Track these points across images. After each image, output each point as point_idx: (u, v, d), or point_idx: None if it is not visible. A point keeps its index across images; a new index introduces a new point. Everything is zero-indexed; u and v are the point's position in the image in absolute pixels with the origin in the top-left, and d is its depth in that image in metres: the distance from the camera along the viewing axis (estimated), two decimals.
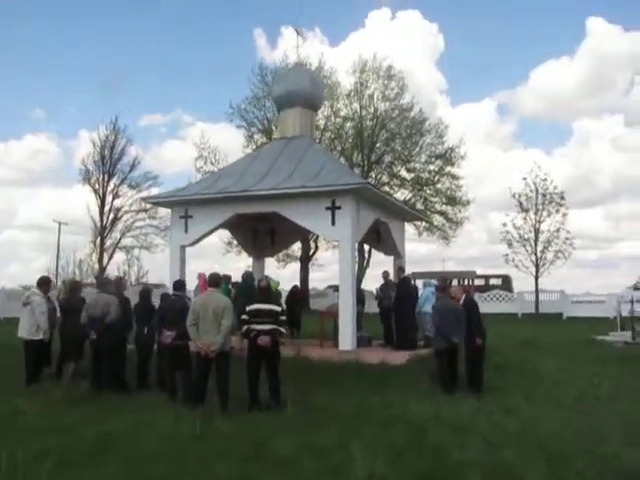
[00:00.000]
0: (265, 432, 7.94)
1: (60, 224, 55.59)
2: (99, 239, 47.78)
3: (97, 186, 47.84)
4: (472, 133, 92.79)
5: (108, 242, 48.43)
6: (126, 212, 48.02)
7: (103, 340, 10.91)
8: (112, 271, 49.16)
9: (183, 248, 17.40)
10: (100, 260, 47.92)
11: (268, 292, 10.20)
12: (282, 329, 9.76)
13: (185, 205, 17.10)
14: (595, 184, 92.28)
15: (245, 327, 9.67)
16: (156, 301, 11.82)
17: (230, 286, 16.93)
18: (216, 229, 17.71)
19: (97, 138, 48.18)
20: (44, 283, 12.21)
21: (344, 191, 15.20)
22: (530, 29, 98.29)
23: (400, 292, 16.64)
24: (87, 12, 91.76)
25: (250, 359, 9.69)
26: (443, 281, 18.43)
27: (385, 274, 18.32)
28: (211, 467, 6.52)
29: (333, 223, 15.37)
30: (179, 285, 10.94)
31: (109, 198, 48.02)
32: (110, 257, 48.59)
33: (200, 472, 6.44)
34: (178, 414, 9.07)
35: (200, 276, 17.78)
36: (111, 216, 48.09)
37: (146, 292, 12.03)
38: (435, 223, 40.85)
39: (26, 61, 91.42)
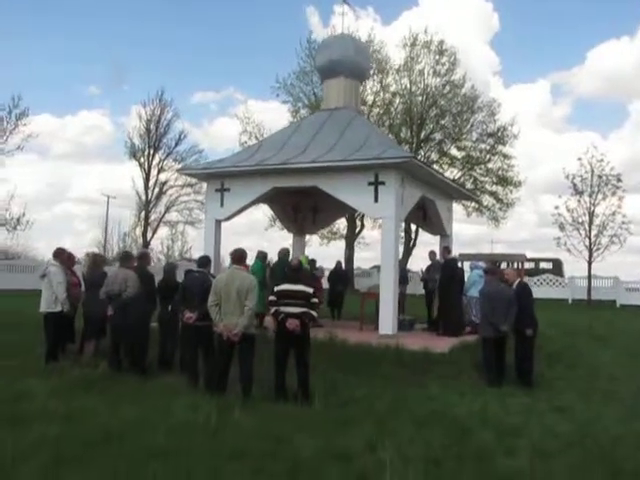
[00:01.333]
0: (287, 429, 7.07)
1: (108, 198, 55.59)
2: (144, 213, 47.55)
3: (142, 160, 47.56)
4: (525, 115, 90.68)
5: (152, 216, 48.27)
6: (171, 187, 47.75)
7: (120, 317, 10.23)
8: (156, 245, 49.19)
9: (219, 222, 16.62)
10: (144, 234, 47.72)
11: (299, 271, 9.34)
12: (313, 312, 8.87)
13: (221, 177, 16.30)
14: None
15: (273, 309, 8.86)
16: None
17: (266, 264, 16.14)
18: (253, 203, 16.88)
19: (143, 112, 47.86)
20: (59, 254, 11.58)
21: (388, 165, 14.24)
22: (588, 8, 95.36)
23: (445, 274, 15.68)
24: None
25: (278, 344, 8.90)
26: (492, 263, 17.61)
27: (432, 254, 17.34)
28: (219, 469, 5.71)
29: (376, 199, 14.43)
30: (204, 261, 10.09)
31: (154, 172, 47.79)
32: (154, 231, 48.41)
33: (205, 474, 5.62)
34: (196, 402, 8.33)
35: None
36: (156, 190, 47.87)
37: (171, 268, 11.35)
38: (485, 203, 39.69)
39: (84, 36, 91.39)
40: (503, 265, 20.25)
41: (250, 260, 16.59)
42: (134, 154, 47.05)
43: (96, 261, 11.79)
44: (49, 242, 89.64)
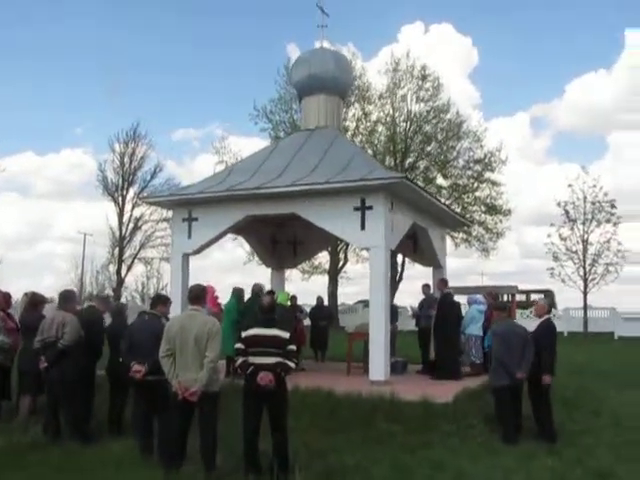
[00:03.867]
0: None
1: (85, 235, 53.50)
2: (117, 249, 45.71)
3: (117, 195, 45.87)
4: (505, 147, 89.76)
5: (127, 252, 46.44)
6: (146, 222, 46.04)
7: (55, 371, 8.40)
8: (130, 283, 47.10)
9: (186, 256, 14.82)
10: (118, 271, 45.84)
11: (272, 312, 7.49)
12: (290, 363, 7.05)
13: (188, 205, 14.52)
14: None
15: (240, 360, 7.03)
16: None
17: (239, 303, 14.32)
18: (224, 234, 15.04)
19: (117, 146, 46.29)
20: None
21: (376, 188, 12.56)
22: (565, 42, 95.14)
23: (442, 310, 13.97)
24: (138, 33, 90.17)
25: (247, 403, 7.04)
26: (492, 297, 15.92)
27: (425, 288, 15.63)
28: None
29: (363, 227, 12.73)
30: (158, 300, 8.30)
31: (129, 207, 46.03)
32: (129, 268, 46.54)
33: None
34: (145, 478, 6.55)
35: (208, 290, 15.22)
36: (130, 226, 46.11)
37: (119, 310, 9.53)
38: (474, 234, 38.17)
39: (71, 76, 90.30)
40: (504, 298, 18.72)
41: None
42: (106, 188, 45.34)
43: (33, 302, 9.91)
44: (30, 281, 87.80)
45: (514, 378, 8.86)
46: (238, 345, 7.09)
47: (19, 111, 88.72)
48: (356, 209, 12.78)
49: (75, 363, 8.46)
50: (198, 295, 7.23)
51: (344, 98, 17.37)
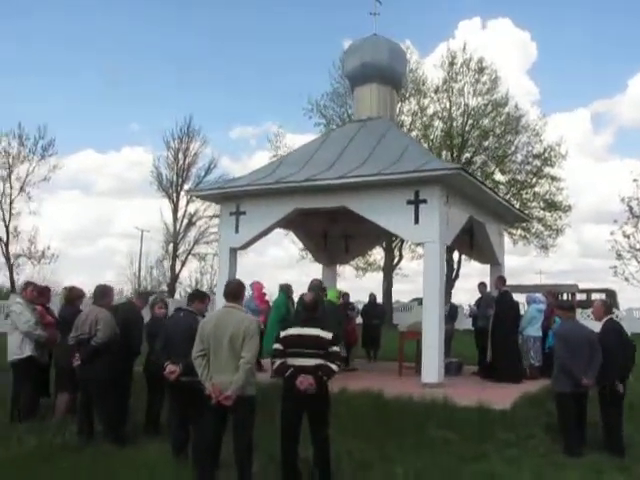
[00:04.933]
0: None
1: (142, 231, 53.67)
2: (172, 245, 45.68)
3: (171, 191, 45.84)
4: (565, 142, 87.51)
5: (181, 248, 46.35)
6: (200, 217, 45.79)
7: (88, 369, 7.99)
8: (184, 279, 47.03)
9: (234, 251, 14.40)
10: (172, 267, 45.81)
11: (315, 310, 6.87)
12: (333, 366, 6.40)
13: (236, 199, 14.09)
14: None
15: (278, 362, 6.48)
16: None
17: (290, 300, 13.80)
18: (272, 228, 14.56)
19: (172, 141, 46.25)
20: (24, 289, 9.61)
21: (431, 180, 11.94)
22: (627, 35, 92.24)
23: (500, 309, 13.26)
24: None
25: (285, 410, 6.49)
26: (553, 296, 15.12)
27: (482, 286, 14.91)
28: None
29: (417, 221, 12.14)
30: (195, 296, 7.80)
31: (183, 203, 45.91)
32: (183, 264, 46.45)
33: None
34: None
35: (254, 286, 14.79)
36: (185, 222, 45.98)
37: (161, 304, 9.08)
38: (532, 230, 37.00)
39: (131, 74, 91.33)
40: (564, 297, 17.91)
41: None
42: (161, 184, 45.34)
43: (70, 297, 9.52)
44: (91, 277, 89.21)
45: (579, 384, 8.13)
46: (276, 346, 6.54)
47: (83, 106, 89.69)
48: (409, 202, 12.21)
49: (109, 361, 8.02)
50: (235, 291, 6.64)
51: (398, 88, 16.71)
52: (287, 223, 15.83)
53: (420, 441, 8.12)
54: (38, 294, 9.80)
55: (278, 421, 6.53)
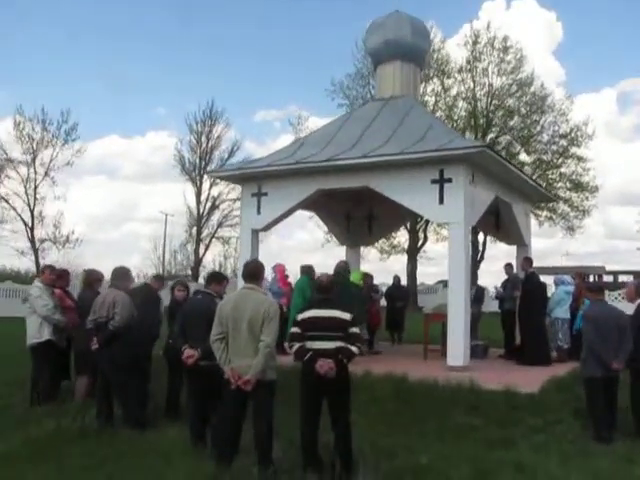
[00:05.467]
0: None
1: (166, 215, 53.69)
2: (195, 229, 45.63)
3: (194, 174, 45.73)
4: (592, 122, 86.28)
5: (205, 232, 46.28)
6: (223, 201, 45.65)
7: (106, 353, 7.84)
8: (208, 263, 46.99)
9: (256, 232, 14.18)
10: (196, 251, 45.78)
11: (331, 291, 6.60)
12: (353, 348, 6.17)
13: (257, 180, 13.86)
14: None
15: (297, 345, 6.25)
16: None
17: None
18: (294, 209, 14.29)
19: (194, 124, 46.10)
20: (42, 272, 9.49)
21: (456, 158, 11.63)
22: None
23: (528, 291, 12.97)
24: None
25: (304, 394, 6.28)
26: (580, 277, 14.78)
27: (508, 267, 14.60)
28: None
29: (441, 201, 11.83)
30: (213, 278, 7.60)
31: (206, 186, 45.78)
32: (207, 248, 46.39)
33: None
34: (195, 472, 5.96)
35: (277, 269, 14.61)
36: (208, 205, 45.88)
37: (181, 287, 8.91)
38: (559, 211, 36.51)
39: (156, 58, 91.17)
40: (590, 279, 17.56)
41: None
42: (184, 168, 45.24)
43: (88, 280, 9.37)
44: (116, 261, 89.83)
45: (609, 369, 7.84)
46: (294, 329, 6.32)
47: (107, 91, 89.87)
48: (434, 182, 11.90)
49: (127, 345, 7.85)
50: (254, 272, 6.43)
51: (421, 66, 16.33)
52: (310, 205, 15.57)
53: (445, 427, 7.90)
54: (57, 277, 9.68)
55: (299, 406, 6.34)
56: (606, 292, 9.52)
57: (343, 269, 13.06)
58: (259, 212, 13.88)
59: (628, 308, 8.60)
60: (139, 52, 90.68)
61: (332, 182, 13.08)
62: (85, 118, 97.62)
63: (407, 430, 7.68)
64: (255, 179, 13.89)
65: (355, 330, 6.26)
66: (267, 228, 14.46)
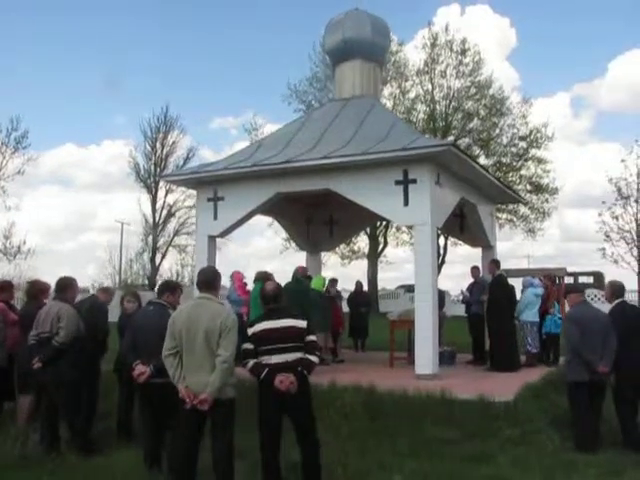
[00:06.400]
0: None
1: (122, 224, 52.55)
2: (151, 237, 44.68)
3: (149, 181, 44.76)
4: (551, 124, 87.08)
5: (161, 240, 45.30)
6: (179, 208, 44.71)
7: (50, 371, 7.17)
8: (165, 272, 46.00)
9: (212, 239, 13.58)
10: (152, 259, 44.79)
11: (278, 298, 5.98)
12: (313, 357, 5.67)
13: (213, 184, 13.24)
14: None
15: (252, 362, 5.68)
16: None
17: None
18: (253, 214, 13.69)
19: (148, 130, 45.16)
20: None
21: (420, 158, 11.18)
22: (606, 19, 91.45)
23: (495, 294, 12.56)
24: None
25: (264, 414, 5.71)
26: (548, 279, 14.42)
27: (475, 271, 14.18)
28: None
29: (406, 202, 11.37)
30: (165, 288, 7.00)
31: (162, 194, 44.81)
32: (163, 256, 45.40)
33: None
34: None
35: (235, 276, 14.03)
36: (164, 213, 44.93)
37: (130, 297, 8.27)
38: (519, 214, 36.41)
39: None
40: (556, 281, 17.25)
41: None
42: (138, 175, 44.27)
43: (32, 291, 8.68)
44: (72, 272, 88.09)
45: (595, 372, 7.40)
46: (246, 346, 5.73)
47: (57, 101, 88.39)
48: (398, 183, 11.45)
49: (74, 361, 7.22)
50: (209, 280, 5.84)
51: (382, 65, 15.91)
52: (269, 210, 15.06)
53: (419, 441, 7.38)
54: None
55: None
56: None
57: (301, 275, 12.58)
58: (215, 218, 13.29)
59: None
60: (97, 60, 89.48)
61: (292, 185, 12.55)
62: (40, 127, 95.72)
63: (378, 446, 7.16)
64: (211, 183, 13.30)
65: (312, 338, 5.75)
66: (224, 234, 13.88)
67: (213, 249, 13.64)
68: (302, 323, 5.73)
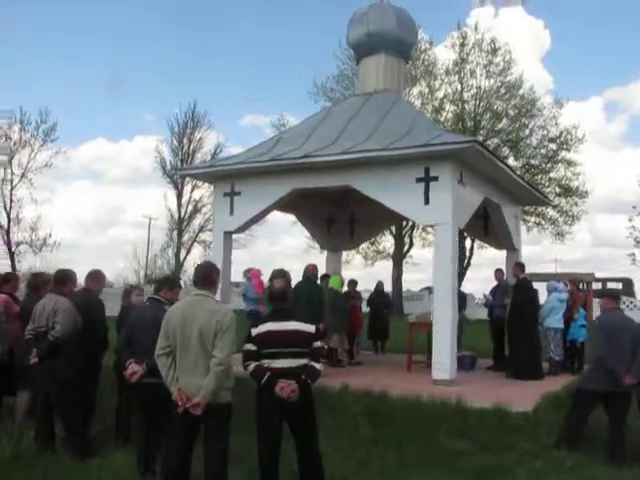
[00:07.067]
0: None
1: (150, 219, 52.61)
2: (176, 233, 44.61)
3: (175, 177, 44.68)
4: (582, 126, 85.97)
5: (186, 236, 45.26)
6: (205, 204, 44.60)
7: (46, 367, 6.85)
8: (189, 267, 45.90)
9: (228, 235, 13.27)
10: (177, 255, 44.73)
11: (285, 299, 5.58)
12: (318, 365, 5.27)
13: (230, 179, 12.94)
14: None
15: (253, 365, 5.30)
16: None
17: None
18: (270, 210, 13.38)
19: (175, 125, 45.10)
20: None
21: (442, 155, 10.77)
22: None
23: (519, 298, 12.10)
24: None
25: (262, 419, 5.31)
26: (573, 284, 13.92)
27: (499, 273, 13.72)
28: None
29: (427, 201, 10.98)
30: (162, 283, 6.64)
31: (188, 189, 44.76)
32: (188, 252, 45.34)
33: None
34: None
35: (253, 273, 13.70)
36: (189, 208, 44.87)
37: (128, 294, 7.94)
38: (548, 216, 35.77)
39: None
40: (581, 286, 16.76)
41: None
42: (165, 170, 44.20)
43: (33, 284, 8.37)
44: (102, 266, 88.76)
45: (618, 383, 6.95)
46: (248, 347, 5.34)
47: (96, 96, 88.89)
48: (419, 180, 11.06)
49: (71, 357, 6.90)
50: (206, 275, 5.46)
51: (406, 59, 15.43)
52: (290, 207, 14.78)
53: (429, 453, 6.96)
54: (3, 281, 8.65)
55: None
56: (595, 299, 8.75)
57: (311, 273, 12.19)
58: (232, 213, 12.98)
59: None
60: (133, 55, 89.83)
61: (310, 181, 12.20)
62: (72, 121, 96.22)
63: (385, 457, 6.75)
64: (228, 178, 13.00)
65: (319, 344, 5.33)
66: (240, 230, 13.57)
67: (229, 245, 13.33)
68: (310, 327, 5.34)
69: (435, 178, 10.90)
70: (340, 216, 16.91)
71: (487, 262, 52.65)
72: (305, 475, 5.34)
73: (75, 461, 6.54)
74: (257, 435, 5.29)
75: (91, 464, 6.46)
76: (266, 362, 5.18)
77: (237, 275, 18.14)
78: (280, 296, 5.51)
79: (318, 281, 12.74)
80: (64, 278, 7.38)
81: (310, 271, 12.19)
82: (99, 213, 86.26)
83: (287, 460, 5.55)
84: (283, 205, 13.77)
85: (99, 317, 7.56)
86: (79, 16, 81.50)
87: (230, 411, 5.28)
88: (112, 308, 8.93)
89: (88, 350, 7.32)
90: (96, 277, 7.94)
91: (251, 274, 13.67)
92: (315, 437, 5.37)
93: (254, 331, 5.32)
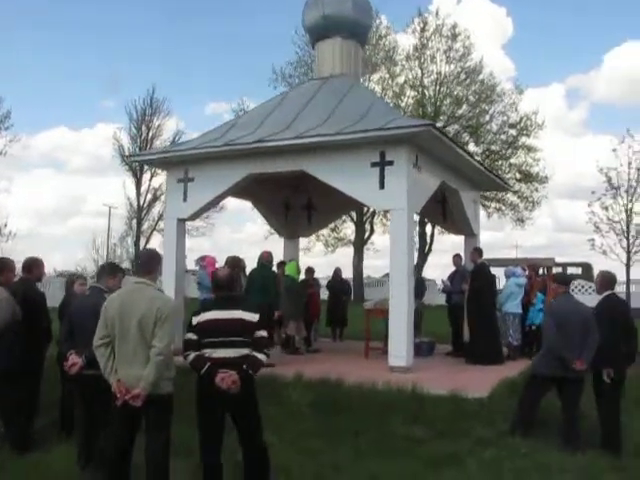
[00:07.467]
0: None
1: (110, 208, 51.86)
2: (135, 221, 44.03)
3: (134, 165, 44.00)
4: (541, 112, 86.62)
5: (146, 225, 44.68)
6: (164, 192, 43.96)
7: None
8: None
9: (182, 222, 12.97)
10: (136, 243, 44.13)
11: (231, 286, 5.39)
12: (261, 355, 5.08)
13: (184, 164, 12.65)
14: None
15: (193, 355, 5.08)
16: None
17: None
18: (224, 196, 13.18)
19: (134, 111, 44.39)
20: None
21: (398, 139, 10.62)
22: (602, 11, 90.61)
23: (477, 283, 12.02)
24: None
25: (203, 412, 5.09)
26: (532, 269, 13.89)
27: (457, 259, 13.66)
28: None
29: (382, 185, 10.82)
30: (103, 271, 6.37)
31: (147, 177, 44.14)
32: (147, 241, 44.74)
33: None
34: None
35: (208, 261, 13.40)
36: (149, 197, 44.30)
37: (71, 284, 7.65)
38: (508, 202, 35.96)
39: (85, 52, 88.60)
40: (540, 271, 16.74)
41: None
42: (123, 158, 43.46)
43: None
44: (63, 256, 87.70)
45: (569, 369, 6.85)
46: (188, 336, 5.13)
47: (51, 84, 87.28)
48: (374, 165, 10.91)
49: (9, 349, 6.62)
50: (146, 263, 5.25)
51: (363, 43, 15.20)
52: (246, 193, 14.55)
53: (383, 441, 6.82)
54: None
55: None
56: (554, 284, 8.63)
57: (266, 260, 11.99)
58: (185, 199, 12.70)
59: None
60: (102, 43, 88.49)
61: (264, 166, 11.96)
62: (32, 110, 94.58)
63: (338, 446, 6.59)
64: (182, 163, 12.71)
65: (262, 334, 5.12)
66: (194, 217, 13.32)
67: (182, 233, 13.05)
68: (253, 316, 5.12)
69: (390, 162, 10.74)
70: (296, 202, 16.68)
71: (449, 248, 52.72)
72: (249, 466, 5.16)
73: (13, 456, 6.29)
74: (198, 427, 5.09)
75: (30, 459, 6.22)
76: (207, 352, 4.97)
77: (194, 263, 17.85)
78: (225, 284, 5.29)
79: (274, 268, 12.59)
80: (1, 267, 7.07)
81: (265, 258, 11.99)
82: (60, 202, 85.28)
83: (230, 451, 5.36)
84: (239, 191, 13.57)
85: (40, 307, 7.26)
86: (31, 3, 79.95)
87: (171, 402, 5.10)
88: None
89: (29, 341, 7.02)
90: (34, 265, 7.59)
91: (206, 262, 13.36)
92: (259, 428, 5.18)
93: (195, 319, 5.11)
